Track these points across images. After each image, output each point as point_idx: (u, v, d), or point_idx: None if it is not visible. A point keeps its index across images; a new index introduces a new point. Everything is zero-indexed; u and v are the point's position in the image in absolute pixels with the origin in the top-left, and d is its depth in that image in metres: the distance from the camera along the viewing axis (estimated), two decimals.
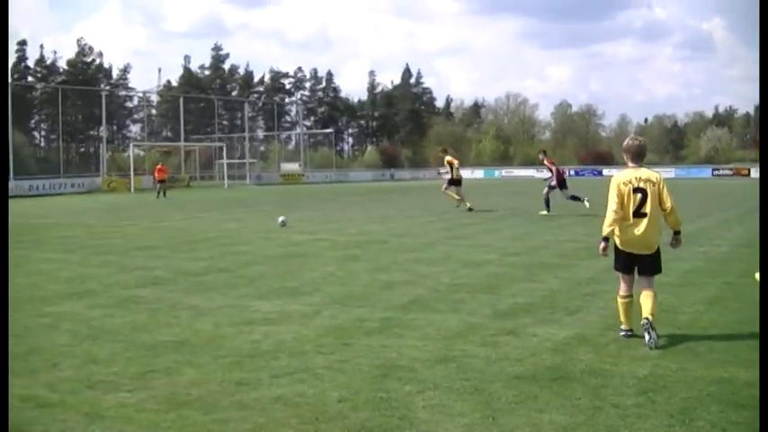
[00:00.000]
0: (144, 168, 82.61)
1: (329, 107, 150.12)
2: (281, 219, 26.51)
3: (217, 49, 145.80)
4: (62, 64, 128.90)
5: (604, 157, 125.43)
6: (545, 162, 31.54)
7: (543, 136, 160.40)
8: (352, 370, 8.33)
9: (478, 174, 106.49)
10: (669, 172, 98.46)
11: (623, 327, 9.65)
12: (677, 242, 9.88)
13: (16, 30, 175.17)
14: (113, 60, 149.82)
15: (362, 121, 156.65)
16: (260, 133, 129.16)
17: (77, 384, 8.08)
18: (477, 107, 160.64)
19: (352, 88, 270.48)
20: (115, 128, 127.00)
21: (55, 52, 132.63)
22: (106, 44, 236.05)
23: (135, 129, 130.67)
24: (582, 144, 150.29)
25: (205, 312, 11.74)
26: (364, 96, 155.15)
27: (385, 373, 8.18)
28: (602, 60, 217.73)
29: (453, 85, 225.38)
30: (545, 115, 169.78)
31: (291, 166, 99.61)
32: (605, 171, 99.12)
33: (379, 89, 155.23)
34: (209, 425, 6.77)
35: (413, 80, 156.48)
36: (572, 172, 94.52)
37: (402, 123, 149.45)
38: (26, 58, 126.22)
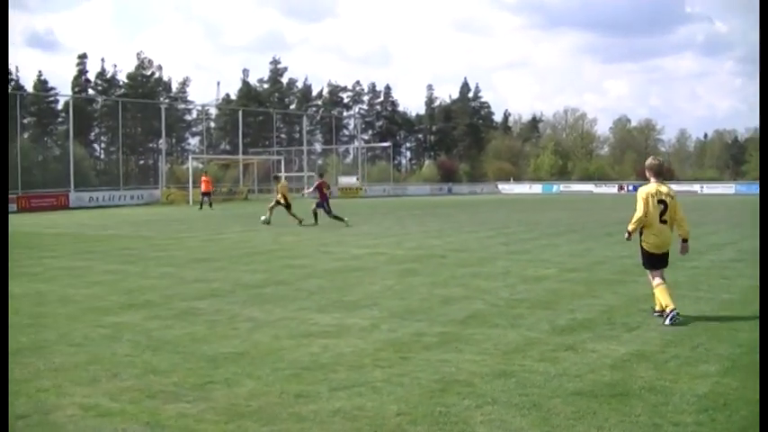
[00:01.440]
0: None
1: (387, 121, 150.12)
2: (263, 218, 26.31)
3: (275, 62, 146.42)
4: (122, 77, 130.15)
5: (663, 173, 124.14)
6: (316, 183, 35.61)
7: (602, 151, 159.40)
8: (410, 384, 8.34)
9: (536, 188, 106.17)
10: (729, 188, 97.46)
11: (669, 308, 11.44)
12: (685, 249, 12.21)
13: (76, 43, 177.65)
14: (172, 74, 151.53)
15: (420, 135, 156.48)
16: (318, 147, 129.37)
17: (138, 394, 8.18)
18: (535, 122, 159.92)
19: (410, 102, 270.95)
20: (174, 140, 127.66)
21: (115, 65, 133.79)
22: (166, 58, 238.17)
23: (194, 141, 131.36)
24: (640, 159, 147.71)
25: (264, 324, 11.81)
26: (422, 110, 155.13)
27: (443, 387, 8.19)
28: (662, 74, 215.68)
29: (511, 99, 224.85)
30: (603, 130, 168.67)
31: (349, 180, 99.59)
32: None
33: (437, 103, 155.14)
34: None
35: (471, 94, 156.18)
36: (631, 187, 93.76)
37: (460, 138, 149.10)
38: (86, 72, 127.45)
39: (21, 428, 7.19)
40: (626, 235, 12.30)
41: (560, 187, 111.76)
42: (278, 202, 35.31)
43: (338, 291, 15.10)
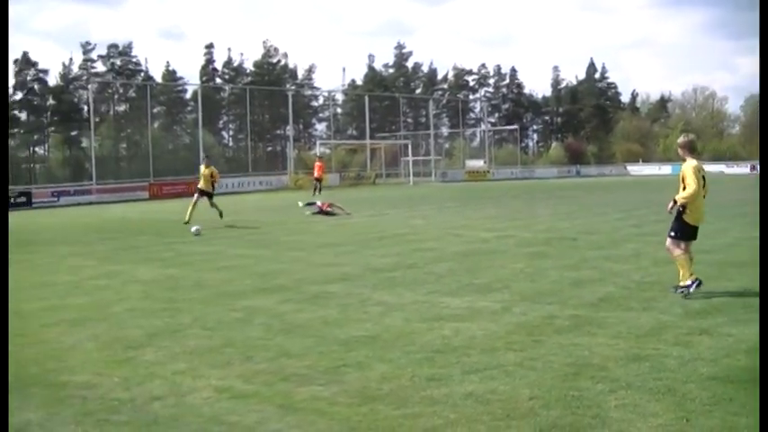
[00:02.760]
0: (330, 166, 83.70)
1: (513, 104, 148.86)
2: (194, 228, 25.57)
3: (400, 47, 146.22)
4: (249, 65, 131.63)
5: (698, 149, 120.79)
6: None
7: (733, 130, 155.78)
8: (542, 367, 8.33)
9: (666, 169, 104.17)
10: None
11: (692, 278, 12.17)
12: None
13: (203, 34, 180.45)
14: (298, 61, 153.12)
15: (547, 118, 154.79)
16: (444, 130, 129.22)
17: (271, 377, 8.34)
18: (663, 101, 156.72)
19: (536, 84, 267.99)
20: (301, 126, 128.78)
21: (242, 54, 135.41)
22: (291, 45, 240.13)
23: (321, 127, 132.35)
24: None
25: (395, 308, 11.90)
26: (548, 92, 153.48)
27: (576, 371, 8.15)
28: None
29: (639, 78, 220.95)
30: (734, 109, 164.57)
31: (476, 163, 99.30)
32: None
33: (563, 84, 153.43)
34: (400, 419, 6.89)
35: (597, 75, 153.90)
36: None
37: (587, 119, 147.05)
38: (214, 61, 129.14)
39: (157, 410, 7.39)
40: (671, 205, 12.84)
41: None
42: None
43: (468, 274, 15.11)
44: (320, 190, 53.09)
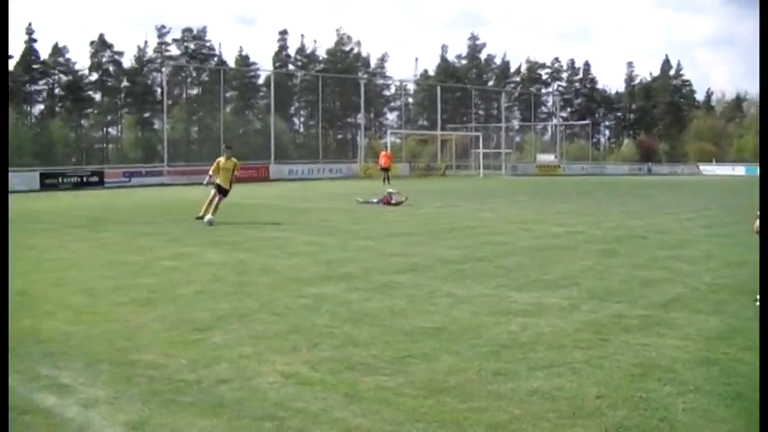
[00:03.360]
0: (401, 156, 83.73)
1: (586, 99, 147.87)
2: (208, 217, 23.92)
3: (473, 38, 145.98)
4: (321, 53, 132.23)
5: None
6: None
7: None
8: (610, 366, 8.25)
9: (740, 170, 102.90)
10: None
11: None
12: None
13: (277, 20, 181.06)
14: (371, 50, 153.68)
15: (619, 114, 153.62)
16: (515, 123, 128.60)
17: (337, 365, 8.35)
18: (739, 100, 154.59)
19: (609, 80, 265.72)
20: (372, 115, 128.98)
21: (315, 41, 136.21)
22: (364, 33, 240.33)
23: (392, 117, 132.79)
24: None
25: (463, 300, 11.86)
26: (621, 88, 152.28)
27: (644, 371, 8.07)
28: None
29: (714, 77, 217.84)
30: None
31: (547, 158, 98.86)
32: None
33: (637, 81, 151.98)
34: (465, 413, 6.86)
35: (672, 72, 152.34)
36: None
37: (660, 116, 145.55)
38: (287, 47, 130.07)
39: (223, 392, 7.45)
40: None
41: None
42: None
43: (537, 269, 15.03)
44: (389, 180, 53.10)
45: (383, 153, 59.47)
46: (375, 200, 33.67)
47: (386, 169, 55.88)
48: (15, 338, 9.00)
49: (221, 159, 25.95)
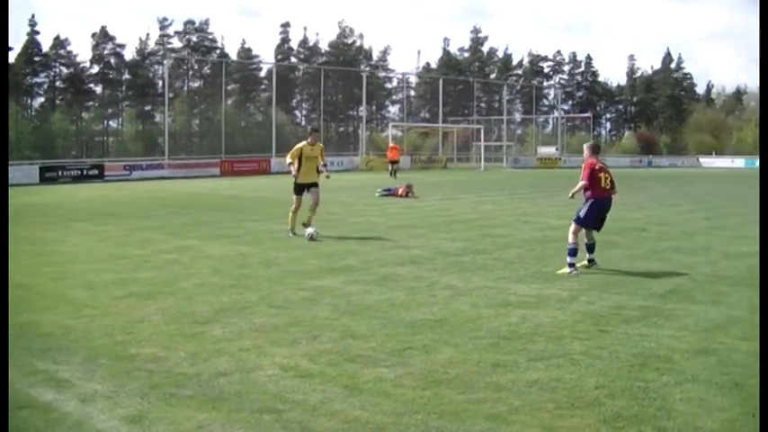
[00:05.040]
0: (402, 149, 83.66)
1: (587, 91, 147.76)
2: (309, 230, 18.88)
3: (476, 31, 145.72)
4: (323, 45, 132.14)
5: None
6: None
7: None
8: (609, 357, 8.29)
9: (739, 163, 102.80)
10: None
11: None
12: None
13: (279, 12, 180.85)
14: (373, 42, 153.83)
15: (620, 107, 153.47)
16: (517, 116, 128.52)
17: (336, 357, 8.39)
18: (739, 94, 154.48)
19: (611, 73, 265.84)
20: (374, 108, 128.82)
21: (317, 34, 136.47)
22: (367, 26, 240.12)
23: (393, 109, 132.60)
24: None
25: (463, 293, 11.89)
26: (623, 81, 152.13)
27: (642, 362, 8.11)
28: None
29: (715, 70, 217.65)
30: None
31: (548, 150, 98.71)
32: None
33: (638, 74, 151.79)
34: (464, 404, 6.90)
35: (673, 65, 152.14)
36: None
37: (661, 109, 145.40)
38: (289, 40, 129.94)
39: (222, 385, 7.47)
40: None
41: None
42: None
43: (537, 261, 15.07)
44: (395, 173, 53.19)
45: (391, 146, 59.49)
46: (392, 189, 34.10)
47: (394, 162, 55.86)
48: (15, 332, 9.02)
49: (304, 145, 19.99)
